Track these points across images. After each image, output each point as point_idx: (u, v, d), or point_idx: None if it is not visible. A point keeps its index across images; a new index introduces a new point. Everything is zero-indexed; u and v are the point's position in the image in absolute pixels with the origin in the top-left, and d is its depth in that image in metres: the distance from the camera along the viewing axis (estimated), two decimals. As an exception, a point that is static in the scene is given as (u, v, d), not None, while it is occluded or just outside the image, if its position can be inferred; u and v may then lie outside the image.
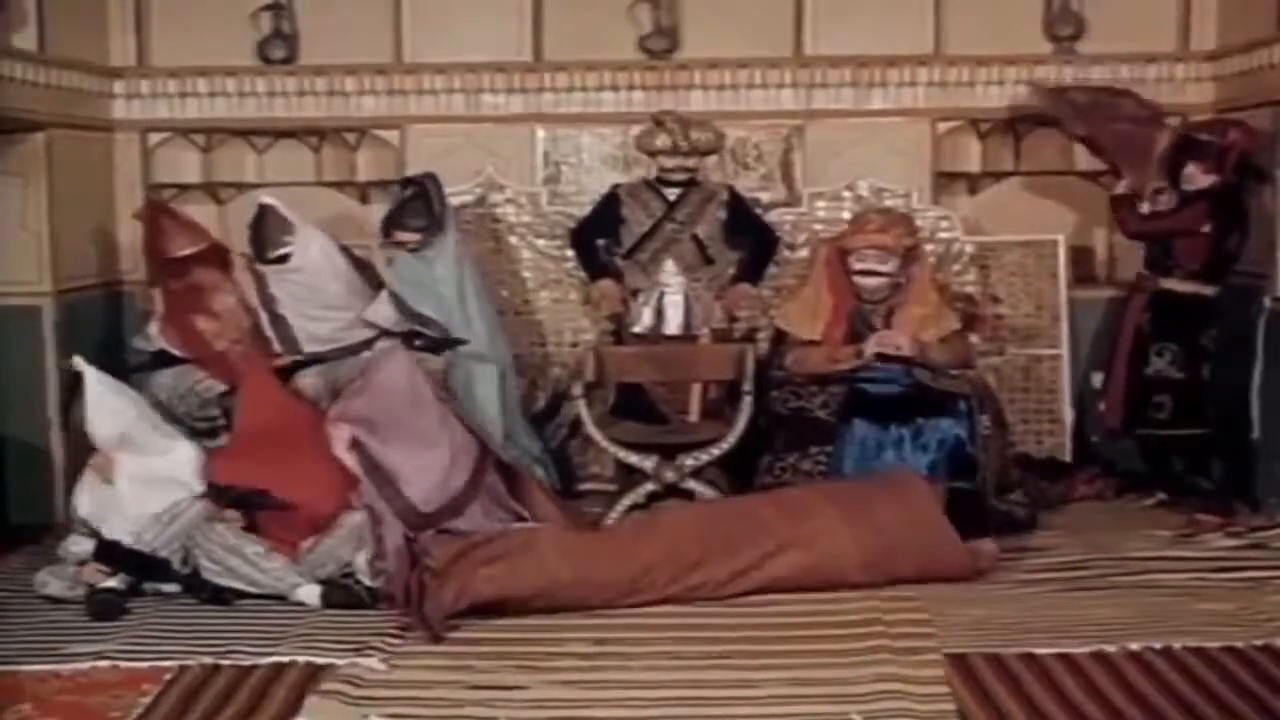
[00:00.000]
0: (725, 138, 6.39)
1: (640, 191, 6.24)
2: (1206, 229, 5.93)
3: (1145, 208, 6.18)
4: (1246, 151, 5.95)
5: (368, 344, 5.89)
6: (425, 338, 5.86)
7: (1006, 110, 6.73)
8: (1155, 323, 6.07)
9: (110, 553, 4.97)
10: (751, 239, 6.30)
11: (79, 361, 5.17)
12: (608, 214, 6.26)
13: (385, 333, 5.88)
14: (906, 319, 5.77)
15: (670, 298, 6.15)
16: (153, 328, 5.87)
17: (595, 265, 6.29)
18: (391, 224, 6.10)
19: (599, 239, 6.29)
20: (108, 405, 5.13)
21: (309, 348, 5.87)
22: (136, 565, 4.96)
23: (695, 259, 6.17)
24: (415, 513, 5.13)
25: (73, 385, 5.37)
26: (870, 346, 5.69)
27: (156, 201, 6.38)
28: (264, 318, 5.88)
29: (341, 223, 6.69)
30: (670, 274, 6.16)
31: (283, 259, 5.89)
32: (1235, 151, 5.93)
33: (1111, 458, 6.43)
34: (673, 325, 6.15)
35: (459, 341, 5.93)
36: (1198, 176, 5.99)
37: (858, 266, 5.78)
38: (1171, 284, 6.04)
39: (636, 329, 6.18)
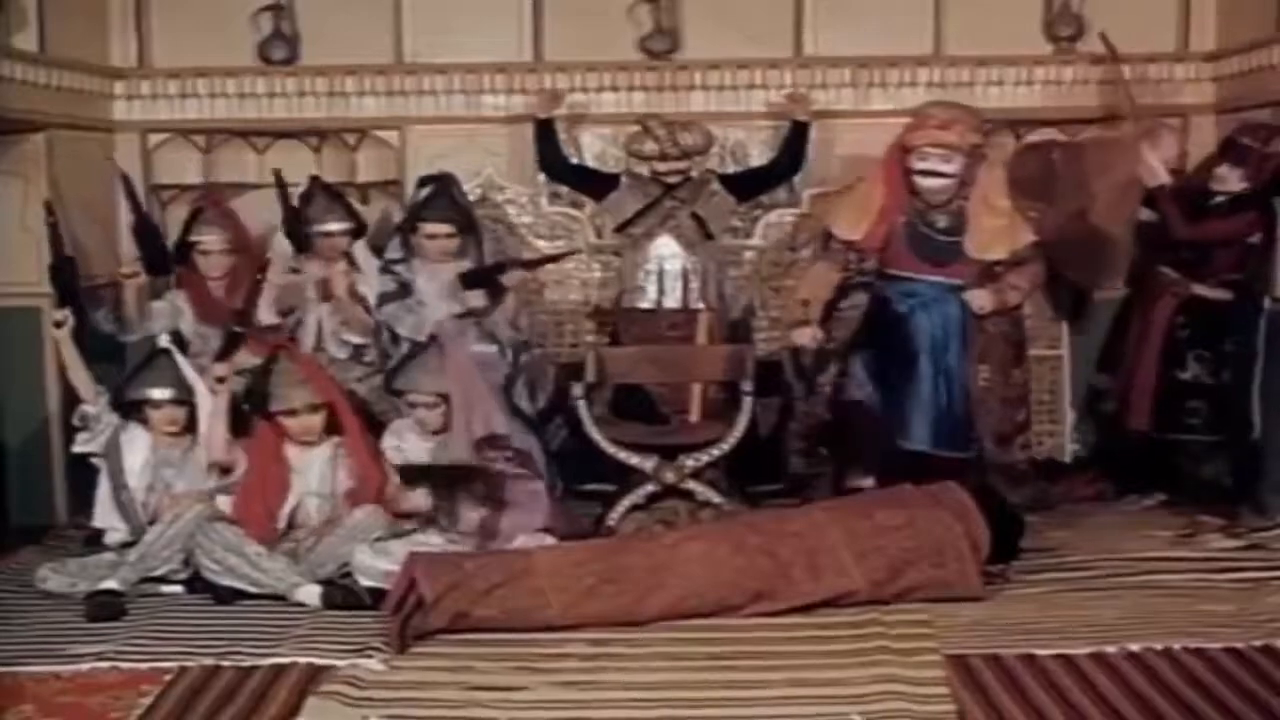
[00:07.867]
0: (714, 138, 6.43)
1: (643, 181, 6.30)
2: (1256, 239, 5.82)
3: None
4: None
5: None
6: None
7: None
8: (1189, 328, 5.99)
9: None
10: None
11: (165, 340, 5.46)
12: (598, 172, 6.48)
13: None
14: (977, 231, 5.47)
15: (670, 272, 6.23)
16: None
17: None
18: (414, 218, 6.02)
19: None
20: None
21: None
22: None
23: (695, 234, 6.24)
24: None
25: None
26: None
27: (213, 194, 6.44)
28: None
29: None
30: (668, 248, 6.23)
31: (328, 234, 6.03)
32: (1276, 160, 5.78)
33: (1112, 458, 6.42)
34: (671, 299, 6.24)
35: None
36: (1230, 179, 5.89)
37: (919, 166, 5.49)
38: (1204, 290, 5.96)
39: (642, 305, 6.26)
